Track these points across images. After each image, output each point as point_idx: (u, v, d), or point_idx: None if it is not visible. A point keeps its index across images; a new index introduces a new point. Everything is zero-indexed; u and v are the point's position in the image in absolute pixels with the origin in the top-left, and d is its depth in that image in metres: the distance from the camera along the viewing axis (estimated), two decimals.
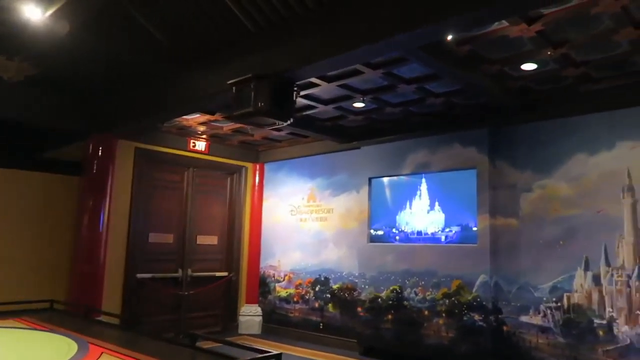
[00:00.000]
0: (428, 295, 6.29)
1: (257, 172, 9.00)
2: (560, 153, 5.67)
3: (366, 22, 3.83)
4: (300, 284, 8.01)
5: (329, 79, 5.41)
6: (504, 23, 4.01)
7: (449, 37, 4.11)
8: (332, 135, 7.55)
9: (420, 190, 6.76)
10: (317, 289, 7.75)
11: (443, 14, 3.42)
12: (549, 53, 4.52)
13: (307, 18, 4.21)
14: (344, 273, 7.45)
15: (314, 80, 5.37)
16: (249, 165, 9.02)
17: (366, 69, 5.02)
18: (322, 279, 7.70)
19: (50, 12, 4.88)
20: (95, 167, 6.62)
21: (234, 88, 4.59)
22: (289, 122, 4.62)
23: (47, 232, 6.59)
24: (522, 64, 4.87)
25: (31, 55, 5.93)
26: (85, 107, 6.58)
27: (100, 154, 6.65)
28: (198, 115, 6.89)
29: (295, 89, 4.66)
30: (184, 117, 6.91)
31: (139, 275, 7.08)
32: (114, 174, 6.76)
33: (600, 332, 5.12)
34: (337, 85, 5.57)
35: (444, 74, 4.98)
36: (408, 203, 6.84)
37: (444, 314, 6.11)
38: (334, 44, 4.07)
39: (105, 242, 6.51)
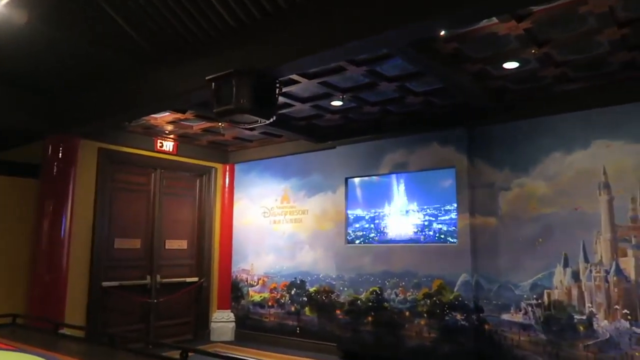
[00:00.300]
0: (409, 295, 6.23)
1: (227, 173, 8.70)
2: (537, 152, 5.73)
3: (356, 17, 3.69)
4: (275, 288, 7.79)
5: (309, 76, 5.25)
6: (494, 20, 3.97)
7: (442, 33, 4.02)
8: (307, 135, 7.37)
9: (398, 190, 6.69)
10: (292, 292, 7.55)
11: (436, 9, 3.33)
12: (533, 52, 4.53)
13: (293, 12, 4.03)
14: (321, 275, 7.29)
15: (294, 77, 5.18)
16: (219, 166, 8.72)
17: (350, 66, 4.89)
18: (298, 282, 7.52)
19: (4, 1, 4.48)
20: (55, 169, 6.16)
21: (213, 84, 4.34)
22: (271, 120, 4.42)
23: (1, 240, 6.08)
24: (504, 63, 4.86)
25: None
26: (44, 104, 6.11)
27: (60, 154, 6.20)
28: (167, 113, 6.56)
29: (278, 85, 4.47)
30: (153, 115, 6.57)
31: (104, 284, 6.66)
32: (75, 176, 6.32)
33: (581, 328, 5.19)
34: (318, 83, 5.41)
35: (428, 72, 4.91)
36: (386, 203, 6.77)
37: (425, 315, 6.06)
38: (321, 39, 3.91)
39: (68, 249, 6.07)
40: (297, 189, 7.85)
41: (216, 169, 8.67)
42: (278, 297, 7.72)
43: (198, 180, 8.47)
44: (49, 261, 5.91)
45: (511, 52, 4.59)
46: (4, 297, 5.89)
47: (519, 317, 5.58)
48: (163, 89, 5.21)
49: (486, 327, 5.76)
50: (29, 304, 5.87)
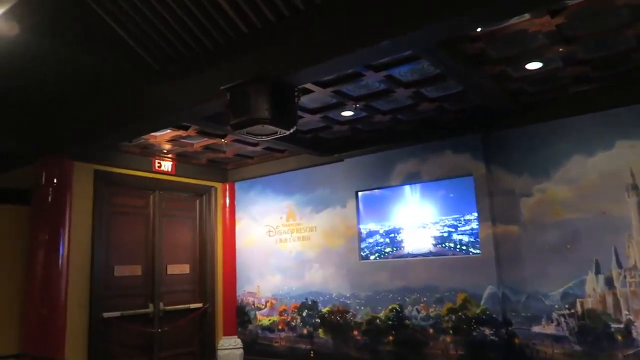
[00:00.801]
0: (432, 311, 5.93)
1: (228, 192, 8.35)
2: (558, 155, 5.54)
3: (385, 15, 3.46)
4: (284, 310, 7.40)
5: (323, 85, 4.99)
6: (525, 16, 3.78)
7: (479, 29, 3.82)
8: (312, 148, 7.09)
9: (412, 202, 6.43)
10: (304, 314, 7.17)
11: (468, 4, 3.12)
12: (560, 50, 4.36)
13: (312, 14, 3.78)
14: (334, 295, 6.94)
15: (307, 86, 4.92)
16: (218, 185, 8.37)
17: (368, 71, 4.66)
18: (309, 302, 7.15)
19: (2, 10, 4.15)
20: (49, 194, 5.74)
21: (227, 94, 4.05)
22: (291, 130, 4.13)
23: None
24: (527, 63, 4.69)
25: None
26: (33, 124, 5.72)
27: (54, 178, 5.79)
28: (168, 131, 6.23)
29: (296, 93, 4.20)
30: (152, 134, 6.23)
31: (105, 314, 6.20)
32: (71, 201, 5.91)
33: (619, 337, 4.94)
34: (331, 92, 5.16)
35: (450, 74, 4.69)
36: (401, 216, 6.49)
37: (450, 331, 5.76)
38: (345, 41, 3.66)
39: (66, 280, 5.63)
40: (302, 205, 7.53)
41: (216, 188, 8.32)
42: (288, 319, 7.33)
43: (198, 201, 8.10)
44: (45, 294, 5.46)
45: (536, 51, 4.41)
46: None
47: (551, 329, 5.31)
48: (167, 103, 4.89)
49: (516, 340, 5.48)
50: (24, 342, 5.39)
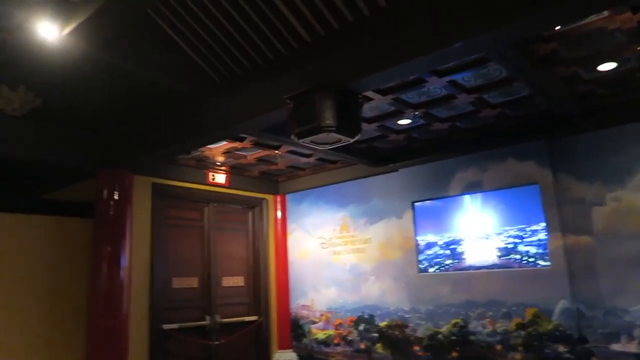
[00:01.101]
0: (498, 327, 5.64)
1: (279, 204, 8.33)
2: (633, 161, 5.20)
3: (451, 17, 3.34)
4: (340, 324, 7.25)
5: (384, 92, 4.89)
6: (604, 13, 3.57)
7: (557, 28, 3.63)
8: (366, 158, 6.99)
9: (473, 212, 6.19)
10: (360, 328, 7.00)
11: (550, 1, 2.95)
12: (639, 49, 4.10)
13: (378, 19, 3.70)
14: (391, 308, 6.74)
15: (367, 93, 4.83)
16: (269, 197, 8.38)
17: (431, 77, 4.52)
18: (366, 316, 6.97)
19: (67, 30, 4.29)
20: (110, 207, 5.85)
21: (291, 103, 4.01)
22: (355, 138, 4.05)
23: (56, 284, 5.72)
24: (601, 64, 4.43)
25: (37, 84, 5.29)
26: (94, 140, 5.88)
27: (115, 192, 5.91)
28: (223, 143, 6.28)
29: (360, 99, 4.12)
30: (208, 146, 6.29)
31: (164, 326, 6.24)
32: (132, 214, 6.03)
33: None
34: (391, 99, 5.05)
35: (518, 77, 4.49)
36: (461, 226, 6.26)
37: (520, 348, 5.45)
38: (412, 45, 3.56)
39: (128, 291, 5.71)
40: (356, 217, 7.40)
41: (267, 200, 8.32)
42: (344, 333, 7.17)
43: (249, 213, 8.12)
44: (109, 305, 5.53)
45: (612, 51, 4.17)
46: (61, 343, 5.52)
47: (633, 347, 4.93)
48: (227, 116, 4.91)
49: (593, 359, 5.12)
50: (90, 352, 5.48)
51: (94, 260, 5.71)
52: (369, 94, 4.86)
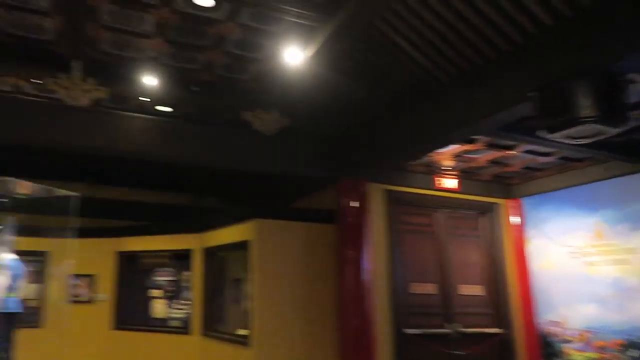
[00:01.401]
0: None
1: (514, 209, 7.70)
2: None
3: None
4: (603, 347, 6.24)
5: None
6: None
7: None
8: (624, 154, 5.94)
9: None
10: (630, 353, 5.89)
11: None
12: None
13: None
14: None
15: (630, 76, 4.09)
16: (502, 201, 7.82)
17: None
18: (637, 340, 5.84)
19: (311, 52, 4.76)
20: (351, 213, 6.30)
21: (537, 95, 3.65)
22: (623, 128, 3.45)
23: (308, 283, 6.31)
24: None
25: (284, 105, 6.05)
26: (334, 151, 6.43)
27: (354, 199, 6.34)
28: (453, 146, 6.12)
29: (624, 82, 3.51)
30: (437, 150, 6.21)
31: (406, 331, 6.34)
32: (370, 220, 6.36)
33: None
34: None
35: None
36: None
37: None
38: None
39: (371, 293, 6.02)
40: (613, 223, 6.32)
41: (499, 205, 7.79)
42: (609, 358, 6.14)
43: (480, 219, 7.72)
44: (357, 306, 5.95)
45: None
46: (317, 339, 6.10)
47: None
48: (458, 117, 4.77)
49: None
50: (342, 351, 5.92)
51: (340, 263, 6.20)
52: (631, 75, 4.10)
